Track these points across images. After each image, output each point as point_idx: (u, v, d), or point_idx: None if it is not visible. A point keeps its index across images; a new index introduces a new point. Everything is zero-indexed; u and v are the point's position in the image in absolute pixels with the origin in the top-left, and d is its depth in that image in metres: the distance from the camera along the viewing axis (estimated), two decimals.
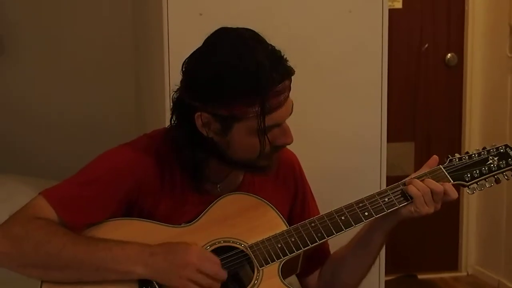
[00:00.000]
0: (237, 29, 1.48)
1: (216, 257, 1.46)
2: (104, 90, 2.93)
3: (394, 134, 3.40)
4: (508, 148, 1.66)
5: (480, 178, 1.62)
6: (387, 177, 2.09)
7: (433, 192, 1.56)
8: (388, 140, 2.11)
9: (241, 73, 1.40)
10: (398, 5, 3.62)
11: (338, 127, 2.05)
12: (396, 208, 1.58)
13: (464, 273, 3.85)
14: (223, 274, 1.45)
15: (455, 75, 3.75)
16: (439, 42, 3.72)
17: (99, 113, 2.93)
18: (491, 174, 1.63)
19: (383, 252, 2.07)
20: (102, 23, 2.93)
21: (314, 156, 1.99)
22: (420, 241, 3.80)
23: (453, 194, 1.58)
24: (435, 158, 1.65)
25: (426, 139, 3.76)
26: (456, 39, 3.72)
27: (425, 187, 1.56)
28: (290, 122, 1.54)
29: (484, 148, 1.66)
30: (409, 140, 3.76)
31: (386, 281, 2.13)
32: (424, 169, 1.62)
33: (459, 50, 3.73)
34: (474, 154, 1.65)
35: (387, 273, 2.15)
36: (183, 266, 1.41)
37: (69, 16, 2.91)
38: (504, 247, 3.57)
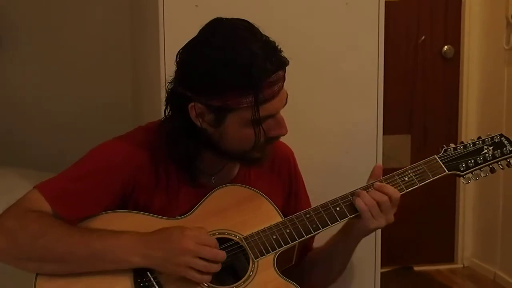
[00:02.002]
0: (231, 19, 1.48)
1: (213, 238, 1.46)
2: (101, 83, 2.92)
3: (391, 126, 3.39)
4: (503, 138, 1.66)
5: (475, 168, 1.63)
6: (384, 169, 2.09)
7: (379, 204, 1.55)
8: (385, 133, 2.10)
9: (234, 64, 1.40)
10: None
11: (334, 120, 2.05)
12: (349, 227, 1.58)
13: (460, 265, 3.86)
14: (222, 255, 1.44)
15: (452, 67, 3.75)
16: (436, 34, 3.72)
17: (96, 106, 2.92)
18: (486, 163, 1.64)
19: (378, 244, 2.07)
20: (99, 16, 2.92)
21: (310, 148, 1.98)
22: (417, 233, 3.81)
23: (395, 194, 1.56)
24: (379, 166, 1.65)
25: (423, 132, 3.77)
26: (453, 31, 3.72)
27: (371, 200, 1.55)
28: (286, 115, 1.53)
29: (479, 138, 1.66)
30: (405, 132, 3.76)
31: (382, 273, 2.13)
32: (369, 181, 1.61)
33: (456, 43, 3.73)
34: (469, 144, 1.65)
35: (383, 265, 2.15)
36: (180, 253, 1.41)
37: (66, 9, 2.90)
38: (500, 239, 3.58)
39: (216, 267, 1.43)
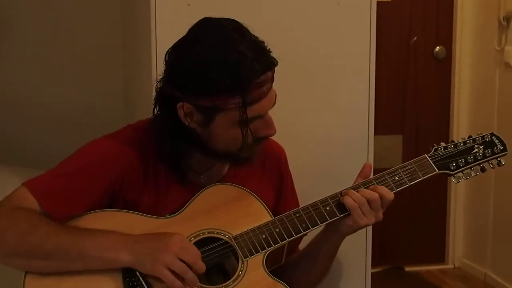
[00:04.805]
0: (220, 19, 1.47)
1: (198, 250, 1.45)
2: (93, 81, 2.92)
3: (382, 127, 3.40)
4: (493, 137, 1.66)
5: (466, 167, 1.62)
6: (375, 170, 2.09)
7: (369, 201, 1.54)
8: (376, 133, 2.10)
9: (222, 64, 1.40)
10: None
11: (325, 120, 2.04)
12: (336, 222, 1.56)
13: (451, 266, 3.87)
14: (201, 266, 1.43)
15: (444, 68, 3.76)
16: (428, 35, 3.73)
17: (87, 104, 2.92)
18: (476, 162, 1.63)
19: (369, 244, 2.08)
20: (91, 14, 2.91)
21: (301, 148, 1.98)
22: (408, 233, 3.81)
23: (388, 195, 1.56)
24: (368, 165, 1.65)
25: (414, 132, 3.78)
26: (445, 32, 3.73)
27: (361, 197, 1.54)
28: (276, 115, 1.53)
29: (469, 137, 1.66)
30: (397, 133, 3.77)
31: (372, 273, 2.13)
32: (358, 180, 1.61)
33: (448, 43, 3.74)
34: (459, 143, 1.65)
35: (374, 265, 2.15)
36: (163, 251, 1.40)
37: (58, 8, 2.90)
38: (491, 240, 3.59)
39: (191, 276, 1.41)
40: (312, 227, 1.54)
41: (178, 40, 1.49)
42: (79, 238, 1.42)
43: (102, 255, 1.41)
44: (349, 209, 1.54)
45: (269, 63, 1.45)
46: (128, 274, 1.43)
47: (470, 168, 1.63)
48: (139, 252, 1.41)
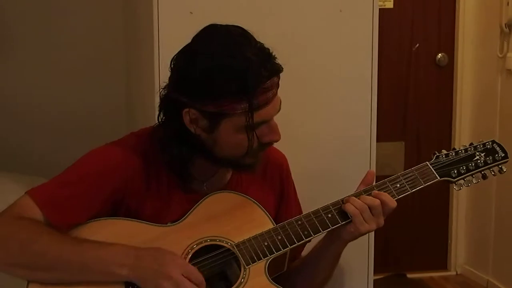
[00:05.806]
0: (226, 26, 1.48)
1: (201, 275, 1.42)
2: (95, 88, 2.93)
3: (384, 133, 3.41)
4: (495, 144, 1.66)
5: (467, 174, 1.63)
6: (377, 176, 2.09)
7: (371, 208, 1.55)
8: (378, 140, 2.11)
9: (229, 70, 1.41)
10: (389, 4, 3.63)
11: (328, 127, 2.05)
12: (337, 229, 1.57)
13: (453, 273, 3.86)
14: None
15: (446, 75, 3.76)
16: (430, 42, 3.73)
17: (89, 111, 2.92)
18: (477, 170, 1.64)
19: (371, 250, 2.08)
20: (93, 20, 2.92)
21: (304, 155, 1.99)
22: (410, 240, 3.81)
23: (391, 202, 1.56)
24: (371, 172, 1.65)
25: (416, 139, 3.77)
26: (447, 39, 3.73)
27: (362, 203, 1.55)
28: (279, 122, 1.53)
29: (471, 144, 1.67)
30: (399, 139, 3.76)
31: (375, 280, 2.13)
32: (360, 187, 1.61)
33: (450, 50, 3.74)
34: (461, 150, 1.66)
35: (376, 272, 2.15)
36: (164, 277, 1.38)
37: (61, 14, 2.90)
38: (493, 246, 3.58)
39: None
40: (314, 234, 1.55)
41: (184, 47, 1.50)
42: (81, 249, 1.41)
43: (103, 269, 1.40)
44: (351, 216, 1.55)
45: (275, 69, 1.46)
46: (131, 284, 1.42)
47: (472, 175, 1.64)
48: (140, 271, 1.39)
